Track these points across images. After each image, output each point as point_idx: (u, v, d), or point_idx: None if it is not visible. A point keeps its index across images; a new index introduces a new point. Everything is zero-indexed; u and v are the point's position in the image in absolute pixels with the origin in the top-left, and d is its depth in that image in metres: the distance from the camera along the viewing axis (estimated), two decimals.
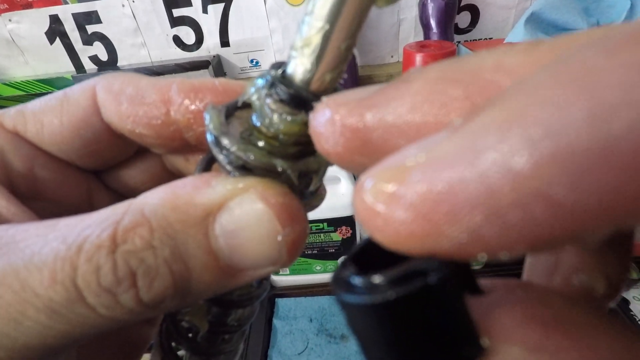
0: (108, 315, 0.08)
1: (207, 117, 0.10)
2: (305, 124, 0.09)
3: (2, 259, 0.08)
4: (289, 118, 0.09)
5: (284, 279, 0.55)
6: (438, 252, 0.06)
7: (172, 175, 0.15)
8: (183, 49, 0.64)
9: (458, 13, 0.61)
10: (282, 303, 0.52)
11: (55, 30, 0.62)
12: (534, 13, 0.44)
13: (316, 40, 0.08)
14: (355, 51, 0.60)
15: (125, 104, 0.12)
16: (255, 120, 0.10)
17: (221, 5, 0.61)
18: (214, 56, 0.63)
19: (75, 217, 0.09)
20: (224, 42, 0.64)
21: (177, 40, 0.64)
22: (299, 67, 0.09)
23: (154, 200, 0.09)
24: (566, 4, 0.45)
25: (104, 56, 0.65)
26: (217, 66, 0.64)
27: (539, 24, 0.44)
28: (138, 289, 0.08)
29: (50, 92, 0.64)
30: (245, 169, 0.10)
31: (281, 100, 0.09)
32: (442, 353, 0.06)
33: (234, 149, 0.09)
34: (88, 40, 0.63)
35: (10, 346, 0.08)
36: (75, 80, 0.65)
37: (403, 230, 0.06)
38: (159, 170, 0.15)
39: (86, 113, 0.13)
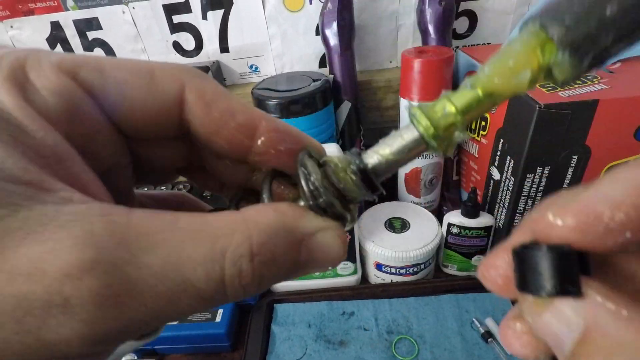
0: (232, 301, 0.12)
1: (307, 165, 0.14)
2: (364, 192, 0.14)
3: (156, 254, 0.10)
4: (358, 187, 0.14)
5: (282, 284, 0.55)
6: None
7: (194, 158, 0.17)
8: (183, 55, 0.65)
9: (456, 18, 0.62)
10: (280, 309, 0.52)
11: (57, 37, 0.63)
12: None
13: (390, 158, 0.14)
14: (355, 57, 0.60)
15: (215, 114, 0.14)
16: (332, 176, 0.14)
17: (220, 12, 0.61)
18: (213, 62, 0.63)
19: (193, 217, 0.11)
20: (224, 48, 0.64)
21: (177, 46, 0.64)
22: (376, 162, 0.14)
23: (269, 220, 0.12)
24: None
25: None
26: (217, 72, 0.64)
27: None
28: (257, 286, 0.12)
29: None
30: (323, 209, 0.14)
31: (357, 174, 0.14)
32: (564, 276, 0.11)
33: (322, 198, 0.13)
34: (89, 46, 0.64)
35: (166, 320, 0.11)
36: None
37: None
38: (187, 153, 0.17)
39: (170, 105, 0.13)
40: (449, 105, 0.13)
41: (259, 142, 0.14)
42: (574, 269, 0.11)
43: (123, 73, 0.12)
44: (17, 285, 0.09)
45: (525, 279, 0.12)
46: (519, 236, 0.13)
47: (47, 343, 0.09)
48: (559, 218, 0.12)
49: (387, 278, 0.54)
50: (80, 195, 0.10)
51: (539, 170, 0.43)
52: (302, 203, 0.14)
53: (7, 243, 0.09)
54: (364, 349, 0.47)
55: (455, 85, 0.55)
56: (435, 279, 0.56)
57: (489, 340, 0.45)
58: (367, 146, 0.66)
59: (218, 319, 0.48)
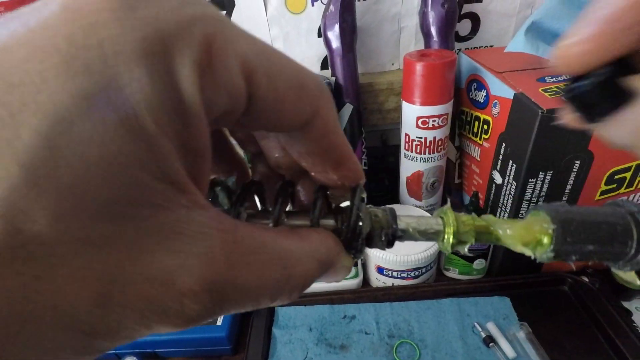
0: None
1: (362, 212, 0.16)
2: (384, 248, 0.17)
3: (246, 276, 0.11)
4: (384, 245, 0.16)
5: None
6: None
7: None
8: None
9: (459, 21, 0.61)
10: (281, 312, 0.52)
11: None
12: (534, 22, 0.43)
13: (411, 232, 0.16)
14: (357, 59, 0.60)
15: (324, 157, 0.15)
16: (372, 227, 0.16)
17: (222, 14, 0.61)
18: None
19: (275, 241, 0.13)
20: None
21: None
22: (403, 228, 0.16)
23: (321, 255, 0.14)
24: (568, 14, 0.45)
25: None
26: None
27: (540, 33, 0.44)
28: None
29: None
30: (350, 245, 0.16)
31: (388, 235, 0.16)
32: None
33: (359, 243, 0.16)
34: None
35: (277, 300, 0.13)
36: None
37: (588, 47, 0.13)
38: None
39: (298, 124, 0.14)
40: (472, 230, 0.16)
41: (337, 176, 0.16)
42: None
43: (283, 84, 0.12)
44: (150, 290, 0.09)
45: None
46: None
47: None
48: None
49: (389, 282, 0.54)
50: (203, 199, 0.11)
51: (541, 175, 0.43)
52: (331, 223, 0.16)
53: (145, 245, 0.09)
54: (365, 353, 0.47)
55: (457, 89, 0.55)
56: (437, 282, 0.56)
57: (490, 344, 0.45)
58: (369, 149, 0.66)
59: (219, 322, 0.48)
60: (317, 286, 0.54)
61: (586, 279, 0.51)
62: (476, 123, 0.55)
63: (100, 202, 0.08)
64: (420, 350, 0.47)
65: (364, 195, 0.16)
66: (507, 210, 0.49)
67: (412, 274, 0.52)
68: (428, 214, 0.56)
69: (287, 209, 0.16)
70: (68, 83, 0.08)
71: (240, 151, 0.18)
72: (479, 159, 0.56)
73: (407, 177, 0.58)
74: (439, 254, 0.55)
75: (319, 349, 0.48)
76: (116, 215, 0.09)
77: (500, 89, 0.47)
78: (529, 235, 0.16)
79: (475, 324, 0.48)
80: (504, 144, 0.48)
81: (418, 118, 0.51)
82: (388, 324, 0.50)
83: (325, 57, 0.64)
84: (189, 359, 0.49)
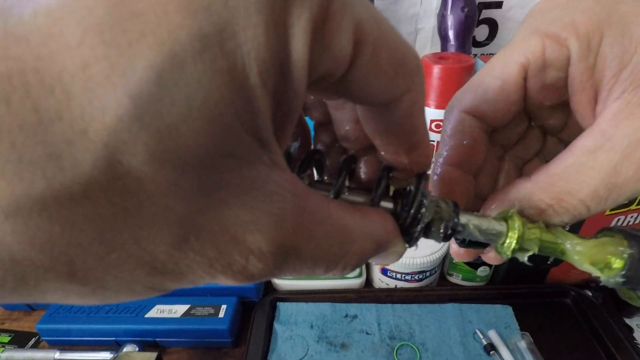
0: None
1: (425, 202, 0.15)
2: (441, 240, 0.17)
3: (309, 247, 0.11)
4: (442, 238, 0.16)
5: (286, 282, 0.54)
6: None
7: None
8: None
9: (477, 26, 0.61)
10: (283, 307, 0.52)
11: None
12: None
13: (472, 230, 0.16)
14: None
15: (409, 140, 0.15)
16: (433, 217, 0.16)
17: None
18: None
19: (341, 213, 0.13)
20: None
21: None
22: (464, 223, 0.16)
23: (380, 235, 0.14)
24: None
25: None
26: None
27: None
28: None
29: None
30: (407, 231, 0.16)
31: (448, 228, 0.16)
32: None
33: (417, 230, 0.15)
34: None
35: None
36: None
37: None
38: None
39: (381, 100, 0.13)
40: (537, 239, 0.16)
41: (408, 159, 0.15)
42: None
43: (385, 56, 0.11)
44: (222, 241, 0.10)
45: None
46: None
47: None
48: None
49: (392, 283, 0.54)
50: (282, 160, 0.11)
51: None
52: (390, 206, 0.16)
53: (225, 197, 0.09)
54: (365, 353, 0.47)
55: None
56: (440, 287, 0.56)
57: (491, 352, 0.45)
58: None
59: (221, 314, 0.48)
60: (320, 283, 0.54)
61: (589, 293, 0.51)
62: None
63: (194, 146, 0.08)
64: (421, 353, 0.47)
65: (433, 198, 0.16)
66: None
67: (416, 277, 0.52)
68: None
69: (346, 184, 0.16)
70: (187, 20, 0.08)
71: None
72: None
73: None
74: (444, 258, 0.55)
75: (319, 346, 0.48)
76: (206, 162, 0.09)
77: None
78: (599, 255, 0.15)
79: (477, 330, 0.48)
80: None
81: (432, 121, 0.51)
82: (389, 326, 0.50)
83: None
84: (189, 350, 0.49)
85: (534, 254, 0.16)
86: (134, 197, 0.08)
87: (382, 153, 0.15)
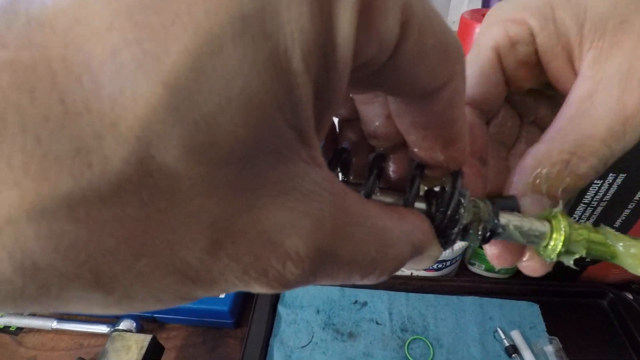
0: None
1: (464, 202, 0.14)
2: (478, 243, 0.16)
3: (347, 247, 0.11)
4: (480, 240, 0.15)
5: None
6: None
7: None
8: None
9: None
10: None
11: None
12: None
13: (512, 231, 0.15)
14: None
15: (450, 135, 0.14)
16: (470, 218, 0.15)
17: None
18: None
19: (378, 215, 0.12)
20: None
21: None
22: (504, 224, 0.15)
23: (416, 239, 0.13)
24: None
25: None
26: None
27: None
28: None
29: None
30: (443, 232, 0.15)
31: (486, 229, 0.15)
32: None
33: (454, 232, 0.15)
34: None
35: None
36: None
37: None
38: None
39: (426, 92, 0.12)
40: (585, 240, 0.15)
41: (445, 156, 0.14)
42: None
43: (430, 40, 0.10)
44: (259, 245, 0.09)
45: None
46: None
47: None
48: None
49: (407, 270, 0.50)
50: (320, 156, 0.10)
51: (610, 177, 0.37)
52: (423, 207, 0.15)
53: (263, 197, 0.09)
54: (374, 345, 0.44)
55: None
56: (459, 277, 0.52)
57: (513, 355, 0.41)
58: None
59: (222, 294, 0.45)
60: None
61: (630, 296, 0.46)
62: None
63: (232, 140, 0.08)
64: (435, 349, 0.43)
65: (473, 199, 0.15)
66: None
67: (434, 266, 0.48)
68: None
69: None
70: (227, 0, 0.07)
71: None
72: None
73: None
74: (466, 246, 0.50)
75: (325, 333, 0.45)
76: (243, 158, 0.08)
77: None
78: None
79: (498, 329, 0.44)
80: None
81: None
82: (402, 316, 0.46)
83: None
84: (188, 327, 0.47)
85: (580, 257, 0.15)
86: (167, 197, 0.08)
87: (416, 150, 0.14)
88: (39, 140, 0.07)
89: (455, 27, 0.58)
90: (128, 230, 0.08)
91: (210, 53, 0.07)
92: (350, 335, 0.45)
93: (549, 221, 0.15)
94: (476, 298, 0.47)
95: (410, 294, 0.48)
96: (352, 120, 0.16)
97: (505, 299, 0.47)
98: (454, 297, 0.47)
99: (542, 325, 0.44)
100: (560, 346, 0.41)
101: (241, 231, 0.09)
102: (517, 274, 0.51)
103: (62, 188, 0.07)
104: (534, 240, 0.15)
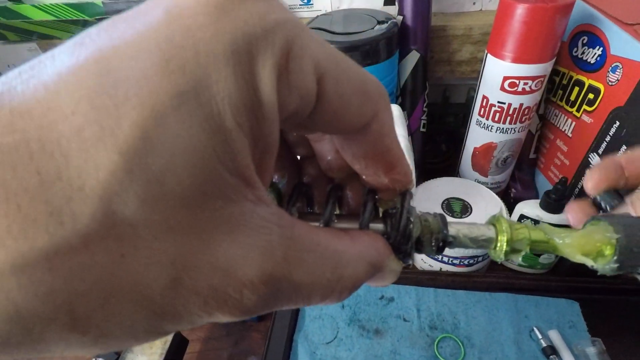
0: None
1: (412, 217, 0.16)
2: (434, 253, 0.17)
3: (300, 272, 0.12)
4: (434, 250, 0.17)
5: None
6: None
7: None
8: None
9: None
10: None
11: None
12: None
13: (463, 239, 0.16)
14: None
15: (382, 168, 0.16)
16: (421, 231, 0.16)
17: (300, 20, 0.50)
18: None
19: (328, 241, 0.13)
20: None
21: None
22: (454, 235, 0.16)
23: (371, 258, 0.14)
24: None
25: None
26: None
27: None
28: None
29: (81, 19, 0.56)
30: (398, 248, 0.16)
31: (438, 240, 0.16)
32: None
33: (407, 247, 0.16)
34: None
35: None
36: (106, 7, 0.58)
37: None
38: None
39: (356, 126, 0.14)
40: (527, 238, 0.16)
41: (388, 179, 0.16)
42: None
43: (348, 87, 0.12)
44: (215, 278, 0.10)
45: None
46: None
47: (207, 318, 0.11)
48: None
49: (436, 265, 0.48)
50: (266, 195, 0.11)
51: None
52: (380, 227, 0.16)
53: (214, 235, 0.10)
54: (401, 343, 0.42)
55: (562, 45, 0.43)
56: (491, 272, 0.49)
57: (551, 356, 0.39)
58: (429, 105, 0.56)
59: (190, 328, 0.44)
60: None
61: None
62: (576, 89, 0.44)
63: (181, 190, 0.09)
64: (465, 349, 0.41)
65: (412, 201, 0.17)
66: None
67: (465, 262, 0.46)
68: (492, 193, 0.47)
69: (335, 212, 0.16)
70: (165, 80, 0.09)
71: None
72: (570, 135, 0.45)
73: (474, 148, 0.49)
74: None
75: (350, 329, 0.44)
76: (193, 205, 0.09)
77: (628, 48, 0.36)
78: (589, 244, 0.16)
79: (534, 328, 0.42)
80: (617, 123, 0.37)
81: (505, 78, 0.41)
82: (430, 313, 0.44)
83: None
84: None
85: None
86: (129, 243, 0.09)
87: (364, 177, 0.16)
88: (19, 207, 0.08)
89: (491, 6, 0.54)
90: (97, 275, 0.09)
91: (155, 124, 0.09)
92: (377, 331, 0.44)
93: (494, 225, 0.16)
94: (510, 295, 0.45)
95: (439, 289, 0.46)
96: (310, 157, 0.18)
97: (541, 296, 0.44)
98: (486, 293, 0.45)
99: (582, 325, 0.42)
100: (604, 348, 0.38)
101: (198, 267, 0.10)
102: (554, 269, 0.48)
103: (39, 244, 0.08)
104: (483, 245, 0.16)
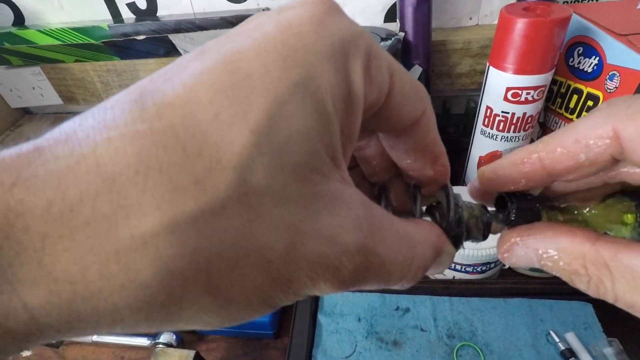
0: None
1: (460, 204, 0.18)
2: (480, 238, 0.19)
3: (381, 248, 0.13)
4: (481, 235, 0.18)
5: None
6: None
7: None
8: (230, 0, 0.56)
9: None
10: (327, 297, 0.48)
11: None
12: None
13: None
14: (432, 10, 0.50)
15: (425, 158, 0.18)
16: (468, 219, 0.18)
17: None
18: (264, 9, 0.55)
19: (400, 224, 0.15)
20: None
21: None
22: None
23: (434, 241, 0.16)
24: None
25: (142, 4, 0.58)
26: None
27: None
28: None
29: (85, 43, 0.57)
30: (450, 234, 0.17)
31: (483, 225, 0.18)
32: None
33: (458, 230, 0.18)
34: None
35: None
36: (111, 30, 0.59)
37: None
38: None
39: (405, 125, 0.16)
40: (555, 219, 0.18)
41: (433, 171, 0.18)
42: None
43: (407, 86, 0.15)
44: (320, 244, 0.11)
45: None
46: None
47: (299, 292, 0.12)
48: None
49: (450, 274, 0.48)
50: (348, 177, 0.13)
51: None
52: (436, 217, 0.18)
53: (317, 206, 0.11)
54: (421, 353, 0.42)
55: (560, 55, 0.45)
56: (504, 278, 0.50)
57: (570, 359, 0.39)
58: None
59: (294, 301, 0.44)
60: None
61: None
62: (574, 97, 0.45)
63: (295, 164, 0.11)
64: (485, 356, 0.41)
65: (463, 201, 0.18)
66: None
67: (478, 269, 0.46)
68: None
69: None
70: (283, 74, 0.11)
71: None
72: None
73: (480, 157, 0.50)
74: None
75: (369, 342, 0.44)
76: (303, 177, 0.11)
77: (624, 57, 0.38)
78: (613, 213, 0.17)
79: (551, 332, 0.42)
80: None
81: (508, 89, 0.42)
82: (447, 322, 0.45)
83: (392, 6, 0.55)
84: (229, 339, 0.46)
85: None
86: (255, 209, 0.10)
87: (411, 172, 0.18)
88: (170, 177, 0.10)
89: (488, 21, 0.56)
90: (232, 237, 0.10)
91: (277, 108, 0.11)
92: (395, 343, 0.44)
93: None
94: (524, 300, 0.45)
95: (453, 298, 0.46)
96: (352, 167, 0.20)
97: (555, 299, 0.45)
98: (500, 299, 0.46)
99: (597, 326, 0.42)
100: (621, 348, 0.39)
101: (307, 233, 0.11)
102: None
103: (188, 208, 0.10)
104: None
